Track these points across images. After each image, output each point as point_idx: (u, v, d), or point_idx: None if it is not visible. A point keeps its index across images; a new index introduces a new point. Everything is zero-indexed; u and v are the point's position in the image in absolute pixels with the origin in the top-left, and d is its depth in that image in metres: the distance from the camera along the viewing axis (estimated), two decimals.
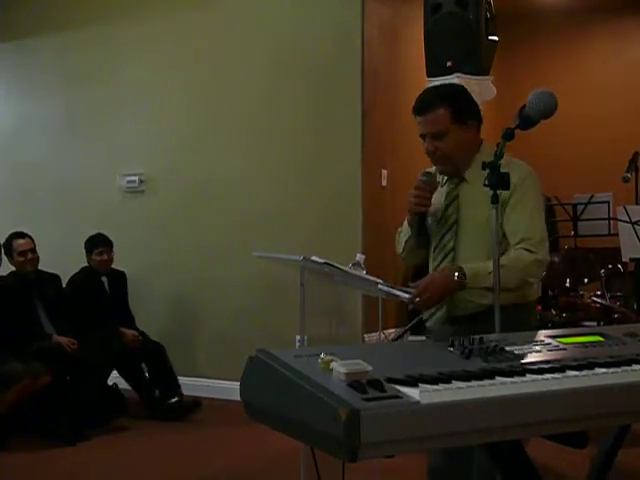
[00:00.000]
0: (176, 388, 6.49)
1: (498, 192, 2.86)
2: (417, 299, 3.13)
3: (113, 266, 6.74)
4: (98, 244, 6.62)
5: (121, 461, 5.43)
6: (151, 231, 7.39)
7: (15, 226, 6.64)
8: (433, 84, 4.91)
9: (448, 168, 3.24)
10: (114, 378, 6.53)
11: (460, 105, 3.17)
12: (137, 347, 6.48)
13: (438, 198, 3.26)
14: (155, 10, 7.43)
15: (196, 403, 6.42)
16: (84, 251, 6.66)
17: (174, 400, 6.37)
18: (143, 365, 6.60)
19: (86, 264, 6.68)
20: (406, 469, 4.59)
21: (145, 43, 7.50)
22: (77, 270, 6.68)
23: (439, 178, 3.28)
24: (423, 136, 3.18)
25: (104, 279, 6.68)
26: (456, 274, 3.07)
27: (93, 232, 6.77)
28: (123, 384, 6.57)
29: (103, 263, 6.62)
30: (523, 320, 3.00)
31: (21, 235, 6.37)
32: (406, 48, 7.20)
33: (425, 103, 3.18)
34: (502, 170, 2.95)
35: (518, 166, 3.12)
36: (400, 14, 7.29)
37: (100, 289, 6.64)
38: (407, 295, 3.20)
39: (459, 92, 3.28)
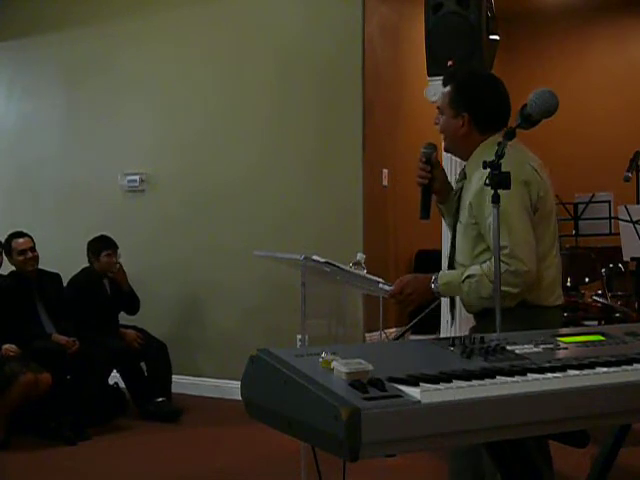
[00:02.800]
0: (167, 389, 6.47)
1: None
2: (394, 297, 3.17)
3: None
4: (106, 246, 6.60)
5: (122, 460, 5.43)
6: (152, 230, 7.39)
7: (17, 225, 6.64)
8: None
9: (447, 145, 3.26)
10: (114, 378, 6.53)
11: (460, 94, 3.13)
12: (137, 347, 6.48)
13: None
14: (157, 7, 7.41)
15: (179, 411, 6.38)
16: (87, 252, 6.64)
17: (160, 400, 6.34)
18: (142, 365, 6.60)
19: (87, 264, 6.67)
20: (407, 468, 4.60)
21: (148, 41, 7.49)
22: (78, 269, 6.67)
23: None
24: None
25: (105, 281, 6.67)
26: (432, 281, 3.07)
27: (94, 232, 6.76)
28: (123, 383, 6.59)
29: (111, 265, 6.59)
30: (532, 322, 2.78)
31: (20, 234, 6.37)
32: (407, 47, 7.20)
33: (446, 77, 3.23)
34: (475, 159, 3.03)
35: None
36: (401, 13, 7.28)
37: (102, 290, 6.64)
38: (388, 288, 3.21)
39: (470, 82, 3.22)
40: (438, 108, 3.20)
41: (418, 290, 3.11)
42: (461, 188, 3.17)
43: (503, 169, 2.69)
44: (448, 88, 3.15)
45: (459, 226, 3.14)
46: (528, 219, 2.94)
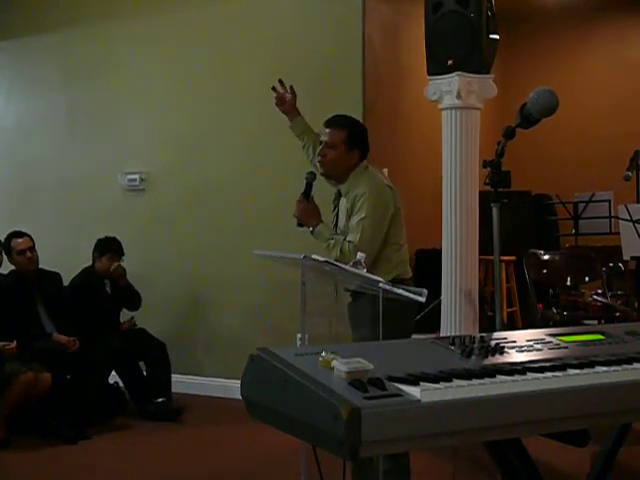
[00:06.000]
0: (166, 389, 6.46)
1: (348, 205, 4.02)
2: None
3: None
4: (112, 250, 6.58)
5: (122, 460, 5.43)
6: (152, 230, 7.38)
7: (16, 224, 6.63)
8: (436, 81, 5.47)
9: (325, 171, 4.20)
10: (114, 377, 6.54)
11: (354, 136, 4.13)
12: (134, 326, 6.60)
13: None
14: (156, 7, 7.41)
15: (179, 410, 6.38)
16: (92, 249, 6.63)
17: (160, 400, 6.34)
18: (141, 364, 6.61)
19: (88, 264, 6.66)
20: None
21: (146, 41, 7.49)
22: (78, 269, 6.67)
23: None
24: (322, 142, 4.18)
25: (107, 281, 6.66)
26: (316, 223, 4.17)
27: (95, 231, 6.76)
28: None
29: (108, 269, 6.60)
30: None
31: (19, 234, 6.37)
32: (407, 47, 7.19)
33: (334, 121, 4.22)
34: (350, 181, 4.05)
35: (363, 182, 4.02)
36: (401, 12, 7.28)
37: (102, 290, 6.63)
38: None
39: (359, 127, 4.26)
40: (326, 144, 4.12)
41: (304, 215, 4.17)
42: (337, 204, 4.23)
43: (363, 187, 3.96)
44: (340, 131, 4.12)
45: (341, 223, 4.17)
46: (381, 225, 4.00)
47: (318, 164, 4.25)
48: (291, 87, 4.86)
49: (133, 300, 6.76)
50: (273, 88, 4.87)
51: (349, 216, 4.05)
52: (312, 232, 4.16)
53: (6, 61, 8.33)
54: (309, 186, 4.22)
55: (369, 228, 3.96)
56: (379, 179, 4.11)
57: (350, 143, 4.12)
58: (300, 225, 4.25)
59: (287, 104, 4.87)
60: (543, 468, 2.42)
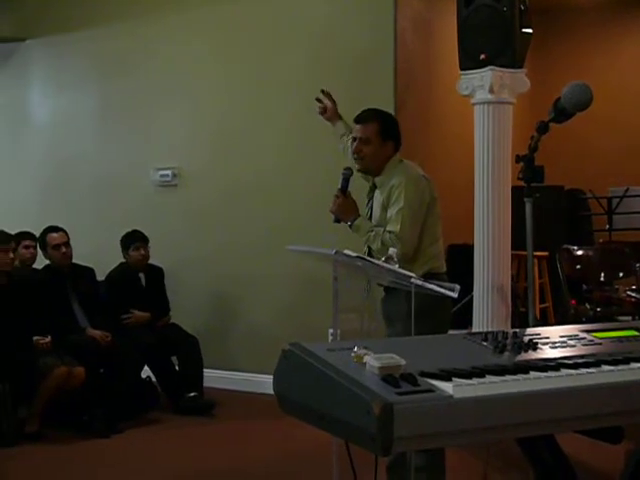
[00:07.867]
0: (198, 383, 6.48)
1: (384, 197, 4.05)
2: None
3: (150, 261, 6.78)
4: (134, 240, 6.67)
5: (154, 454, 5.46)
6: (185, 225, 7.41)
7: (51, 220, 6.69)
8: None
9: (363, 167, 4.21)
10: (147, 371, 6.58)
11: (387, 127, 4.18)
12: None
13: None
14: (191, 2, 7.42)
15: (211, 405, 6.40)
16: (120, 248, 6.72)
17: (192, 395, 6.36)
18: (173, 359, 6.65)
19: (121, 259, 6.72)
20: None
21: (181, 36, 7.49)
22: (113, 264, 6.73)
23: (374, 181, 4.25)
24: (354, 138, 4.20)
25: (141, 275, 6.72)
26: (354, 217, 4.17)
27: (127, 226, 6.81)
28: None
29: (140, 259, 6.65)
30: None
31: (55, 229, 6.42)
32: (439, 41, 7.16)
33: (365, 116, 4.24)
34: (385, 173, 4.09)
35: (398, 173, 4.04)
36: (433, 7, 7.24)
37: (137, 285, 6.68)
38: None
39: (390, 119, 4.30)
40: (360, 139, 4.14)
41: (342, 211, 4.18)
42: (372, 196, 4.25)
43: (399, 177, 3.98)
44: (374, 124, 4.14)
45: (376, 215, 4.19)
46: (419, 214, 4.00)
47: (354, 161, 4.26)
48: (329, 94, 4.98)
49: (162, 308, 6.81)
50: (317, 99, 4.99)
51: (385, 208, 4.06)
52: (350, 226, 4.17)
53: (41, 57, 8.39)
54: (346, 181, 4.23)
55: (408, 217, 3.96)
56: (414, 170, 4.14)
57: (383, 135, 4.15)
58: (337, 221, 4.25)
59: (330, 112, 4.97)
60: (576, 465, 2.41)
